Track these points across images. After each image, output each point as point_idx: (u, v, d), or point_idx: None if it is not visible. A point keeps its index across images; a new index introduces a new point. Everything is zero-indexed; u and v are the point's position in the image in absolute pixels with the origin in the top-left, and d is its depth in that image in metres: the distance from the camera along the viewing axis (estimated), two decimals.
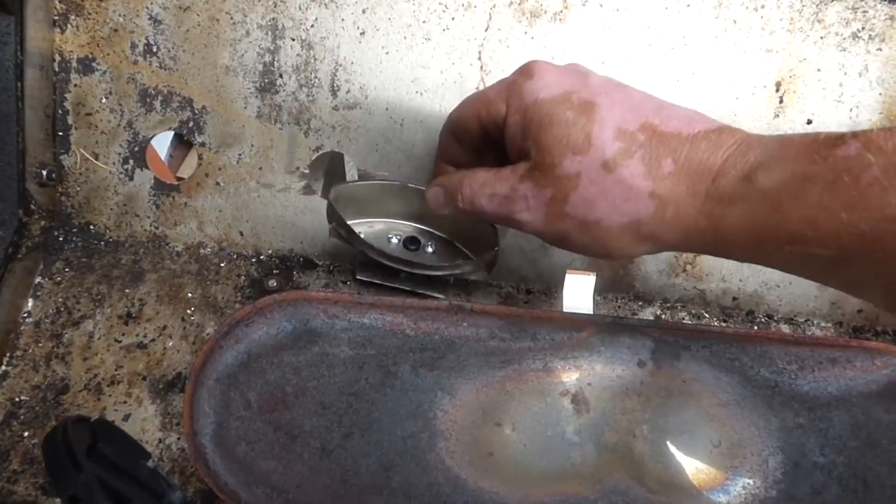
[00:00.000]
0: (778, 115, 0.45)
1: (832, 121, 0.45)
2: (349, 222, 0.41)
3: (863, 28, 0.44)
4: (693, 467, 0.33)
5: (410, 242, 0.43)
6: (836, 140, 0.24)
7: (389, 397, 0.33)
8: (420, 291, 0.43)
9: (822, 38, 0.44)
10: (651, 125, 0.29)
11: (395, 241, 0.43)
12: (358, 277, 0.43)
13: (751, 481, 0.33)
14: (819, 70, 0.44)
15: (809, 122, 0.45)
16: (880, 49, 0.44)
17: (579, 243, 0.31)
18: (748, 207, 0.26)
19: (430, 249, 0.43)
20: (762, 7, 0.43)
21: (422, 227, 0.44)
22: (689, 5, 0.43)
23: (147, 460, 0.25)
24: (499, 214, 0.32)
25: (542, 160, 0.29)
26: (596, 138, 0.28)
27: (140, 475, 0.23)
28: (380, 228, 0.44)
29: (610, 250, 0.31)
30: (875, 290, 0.25)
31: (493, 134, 0.33)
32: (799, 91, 0.45)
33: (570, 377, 0.34)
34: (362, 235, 0.42)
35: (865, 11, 0.43)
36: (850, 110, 0.45)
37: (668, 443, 0.34)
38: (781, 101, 0.45)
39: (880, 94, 0.45)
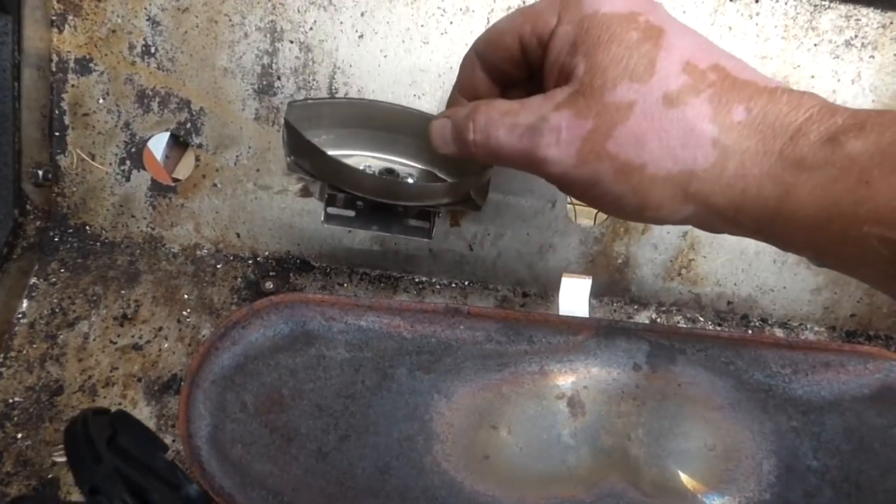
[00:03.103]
0: None
1: None
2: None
3: (856, 36, 0.44)
4: (688, 471, 0.33)
5: (386, 174, 0.36)
6: None
7: (386, 400, 0.33)
8: (412, 223, 0.35)
9: (815, 45, 0.44)
10: (723, 68, 0.24)
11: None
12: (324, 222, 0.35)
13: (745, 485, 0.33)
14: (813, 77, 0.45)
15: None
16: (873, 57, 0.44)
17: (611, 193, 0.26)
18: (829, 176, 0.22)
19: (409, 182, 0.36)
20: (757, 14, 0.44)
21: (397, 159, 0.36)
22: (684, 12, 0.43)
23: (165, 452, 0.25)
24: (518, 150, 0.26)
25: (590, 81, 0.25)
26: (660, 67, 0.24)
27: (158, 467, 0.24)
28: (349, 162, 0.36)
29: (645, 206, 0.25)
30: None
31: (532, 55, 0.28)
32: None
33: (566, 380, 0.34)
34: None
35: (858, 20, 0.44)
36: None
37: (663, 446, 0.34)
38: None
39: (873, 100, 0.45)
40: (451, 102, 0.33)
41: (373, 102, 0.35)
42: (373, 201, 0.33)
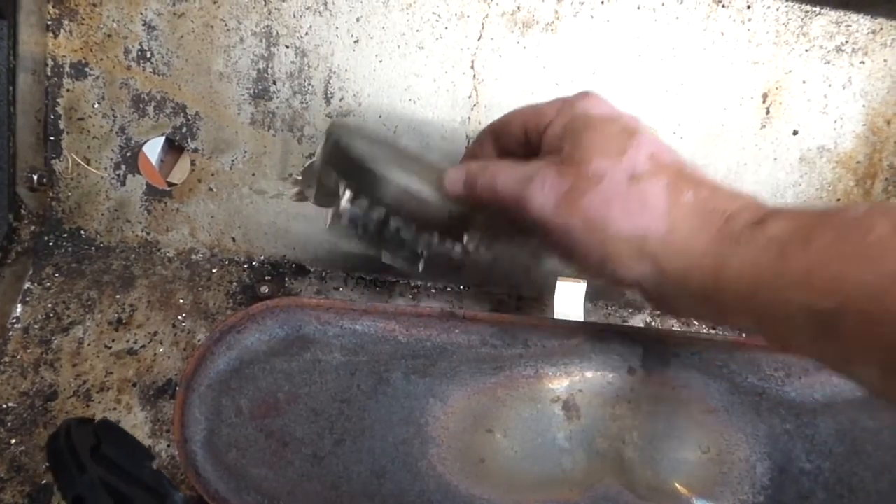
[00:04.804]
0: (765, 126, 0.46)
1: (817, 132, 0.46)
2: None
3: (846, 41, 0.45)
4: (682, 473, 0.34)
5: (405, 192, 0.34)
6: (845, 204, 0.26)
7: (381, 404, 0.33)
8: (402, 255, 0.35)
9: (807, 50, 0.45)
10: (680, 168, 0.30)
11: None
12: (330, 224, 0.34)
13: (739, 487, 0.34)
14: (804, 82, 0.45)
15: (795, 132, 0.46)
16: (863, 62, 0.45)
17: (580, 242, 0.30)
18: (754, 251, 0.27)
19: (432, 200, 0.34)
20: (749, 20, 0.44)
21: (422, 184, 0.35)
22: (677, 17, 0.44)
23: (151, 461, 0.25)
24: (512, 192, 0.32)
25: (572, 154, 0.31)
26: (630, 154, 0.30)
27: (143, 476, 0.23)
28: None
29: (607, 258, 0.30)
30: (869, 364, 0.24)
31: (533, 140, 0.34)
32: (785, 102, 0.46)
33: (561, 384, 0.35)
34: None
35: (849, 25, 0.44)
36: (835, 121, 0.46)
37: (657, 449, 0.34)
38: (768, 112, 0.46)
39: (863, 105, 0.46)
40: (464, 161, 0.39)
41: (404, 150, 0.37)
42: (383, 222, 0.34)
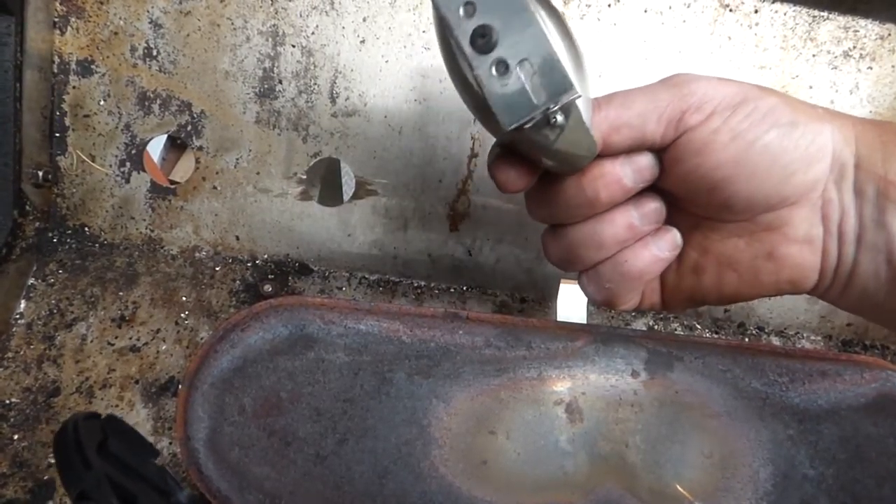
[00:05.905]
0: None
1: None
2: None
3: (854, 47, 0.45)
4: (685, 478, 0.34)
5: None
6: None
7: (384, 404, 0.33)
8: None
9: (814, 55, 0.45)
10: None
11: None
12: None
13: (742, 493, 0.33)
14: (811, 87, 0.45)
15: None
16: (871, 68, 0.45)
17: (762, 106, 0.28)
18: None
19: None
20: (756, 24, 0.44)
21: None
22: (684, 21, 0.44)
23: (155, 458, 0.25)
24: (667, 85, 0.31)
25: None
26: None
27: (148, 473, 0.23)
28: None
29: (796, 117, 0.28)
30: None
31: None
32: None
33: (564, 386, 0.34)
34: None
35: (857, 31, 0.44)
36: None
37: (660, 453, 0.34)
38: None
39: (871, 111, 0.45)
40: None
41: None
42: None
